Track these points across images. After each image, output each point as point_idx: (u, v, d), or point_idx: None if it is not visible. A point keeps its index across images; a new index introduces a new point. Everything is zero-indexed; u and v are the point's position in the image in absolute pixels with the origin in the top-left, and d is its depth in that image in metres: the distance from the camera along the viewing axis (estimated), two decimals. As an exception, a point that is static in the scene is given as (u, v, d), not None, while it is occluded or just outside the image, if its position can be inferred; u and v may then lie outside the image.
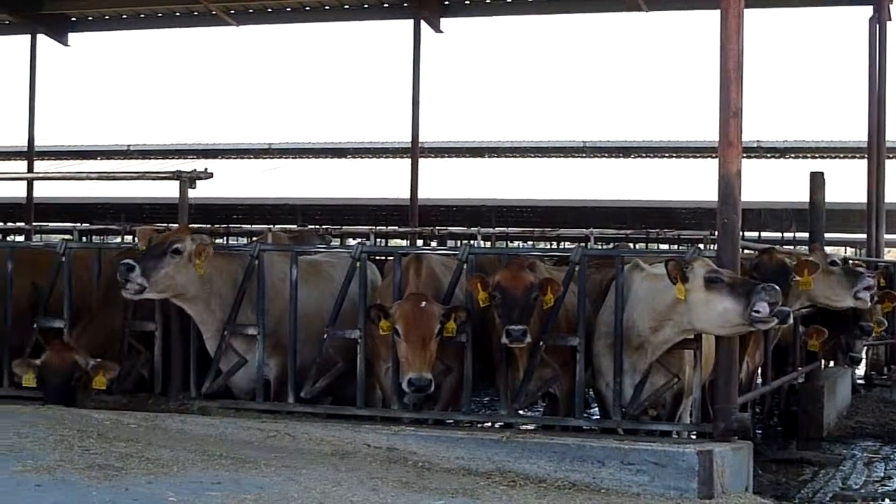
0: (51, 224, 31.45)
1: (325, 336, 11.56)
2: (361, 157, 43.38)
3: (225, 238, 22.80)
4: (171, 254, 10.99)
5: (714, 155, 11.32)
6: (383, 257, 14.96)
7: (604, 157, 42.47)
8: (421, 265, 11.40)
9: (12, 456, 8.65)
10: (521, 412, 11.68)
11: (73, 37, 24.49)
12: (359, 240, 20.60)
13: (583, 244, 23.16)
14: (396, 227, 31.61)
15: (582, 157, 42.61)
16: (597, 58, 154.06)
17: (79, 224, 32.53)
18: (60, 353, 11.33)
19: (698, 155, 39.57)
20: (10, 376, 12.20)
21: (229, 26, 23.58)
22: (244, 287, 11.58)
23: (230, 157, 43.25)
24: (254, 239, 14.45)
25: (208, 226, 24.65)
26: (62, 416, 10.42)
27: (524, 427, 11.67)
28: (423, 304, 10.64)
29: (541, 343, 10.97)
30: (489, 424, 12.30)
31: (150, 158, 44.22)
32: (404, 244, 22.36)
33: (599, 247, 26.48)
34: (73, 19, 24.21)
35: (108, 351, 11.72)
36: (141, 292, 10.84)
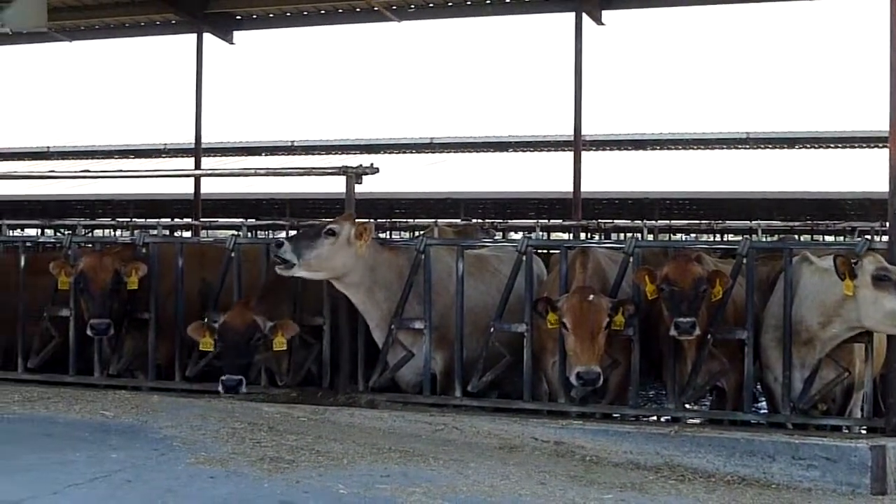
0: (219, 220, 31.91)
1: (492, 330, 11.56)
2: (523, 151, 43.28)
3: (388, 232, 22.95)
4: (325, 234, 11.10)
5: (883, 145, 11.05)
6: (548, 251, 14.91)
7: (768, 148, 41.75)
8: (588, 258, 11.33)
9: (186, 448, 8.82)
10: (688, 406, 11.56)
11: (238, 35, 24.75)
12: (525, 233, 20.55)
13: (749, 236, 22.83)
14: (560, 221, 31.45)
15: (745, 148, 41.93)
16: (760, 47, 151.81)
17: (245, 220, 33.08)
18: (241, 312, 11.32)
19: (865, 145, 38.72)
20: (182, 370, 12.45)
21: (391, 22, 23.69)
22: (411, 281, 11.63)
23: (392, 152, 43.49)
24: (419, 233, 14.53)
25: (371, 220, 24.83)
26: (233, 409, 10.59)
27: (691, 421, 11.54)
28: (591, 297, 10.57)
29: (708, 336, 10.85)
30: (655, 418, 12.19)
31: (313, 154, 44.63)
32: (566, 237, 22.27)
33: (766, 239, 26.08)
34: (238, 18, 24.46)
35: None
36: (290, 268, 10.97)
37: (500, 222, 23.70)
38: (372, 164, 12.37)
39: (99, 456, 8.52)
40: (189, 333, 11.63)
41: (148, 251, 12.68)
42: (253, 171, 16.02)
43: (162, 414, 10.16)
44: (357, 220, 11.46)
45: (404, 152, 43.89)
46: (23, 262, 13.16)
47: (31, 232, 24.30)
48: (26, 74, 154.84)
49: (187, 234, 24.16)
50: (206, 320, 11.68)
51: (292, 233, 15.13)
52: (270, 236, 26.55)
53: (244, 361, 11.13)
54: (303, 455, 8.76)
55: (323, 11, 23.80)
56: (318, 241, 11.11)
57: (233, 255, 12.42)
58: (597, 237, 21.99)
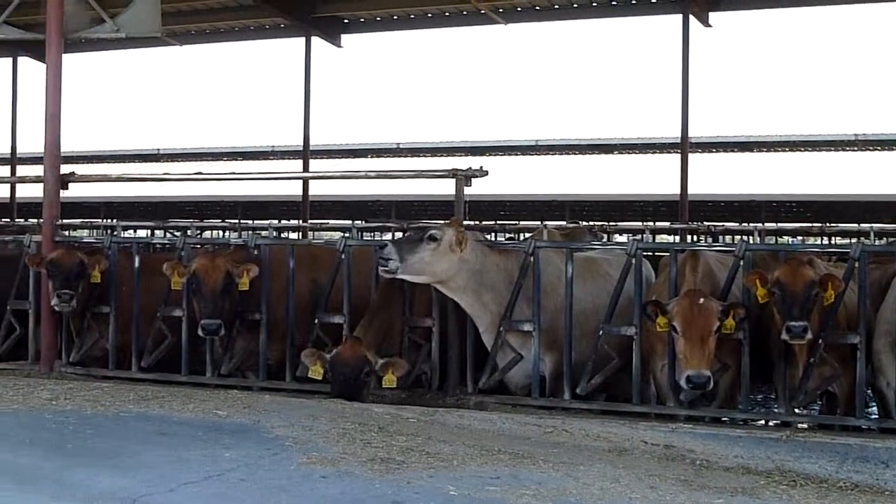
0: (330, 222, 32.14)
1: (601, 332, 11.55)
2: (629, 153, 43.16)
3: (494, 234, 22.96)
4: (426, 240, 11.25)
5: None
6: (653, 253, 14.86)
7: (877, 149, 41.19)
8: (698, 261, 11.27)
9: (298, 448, 8.89)
10: (798, 411, 11.47)
11: (345, 38, 25.01)
12: (634, 236, 20.44)
13: (861, 239, 22.54)
14: (668, 224, 31.29)
15: (854, 150, 41.45)
16: (869, 48, 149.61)
17: (353, 221, 33.27)
18: (353, 347, 11.56)
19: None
20: (293, 370, 12.57)
21: (498, 25, 23.73)
22: (520, 283, 11.66)
23: (498, 154, 43.56)
24: (527, 236, 14.55)
25: (476, 222, 24.87)
26: (343, 409, 10.66)
27: (801, 426, 11.43)
28: (702, 300, 10.52)
29: (820, 341, 10.74)
30: (764, 422, 12.10)
31: (418, 156, 44.84)
32: (671, 240, 22.14)
33: (877, 242, 25.71)
34: (346, 21, 24.70)
35: (391, 346, 11.95)
36: (393, 272, 11.16)
37: (605, 224, 23.60)
38: (481, 167, 12.42)
39: (213, 454, 8.61)
40: (301, 359, 11.88)
41: (259, 253, 12.83)
42: (363, 173, 16.13)
43: (274, 414, 10.25)
44: (456, 225, 11.53)
45: (510, 154, 43.95)
46: (137, 263, 13.36)
47: (141, 233, 24.66)
48: (137, 78, 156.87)
49: (294, 235, 24.37)
50: (317, 321, 11.87)
51: (399, 235, 15.28)
52: (379, 238, 26.56)
53: (351, 393, 11.43)
54: (413, 456, 8.79)
55: (430, 14, 23.96)
56: (421, 245, 11.25)
57: (343, 256, 12.52)
58: (704, 240, 21.82)
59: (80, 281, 13.13)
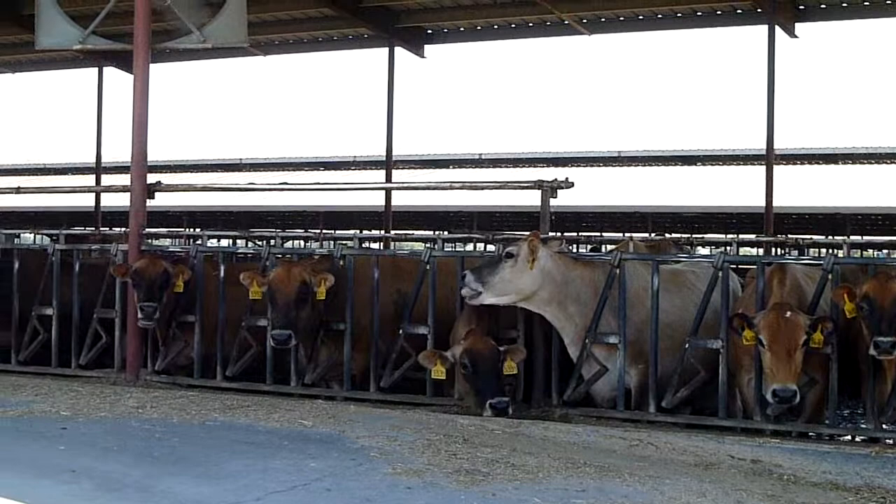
0: (415, 232, 32.18)
1: (687, 345, 11.48)
2: (712, 165, 42.83)
3: (577, 246, 22.88)
4: (504, 258, 11.26)
5: None
6: (738, 266, 14.72)
7: (968, 160, 40.66)
8: (785, 275, 11.17)
9: (383, 458, 8.89)
10: (885, 426, 11.31)
11: (428, 48, 25.05)
12: (720, 249, 20.28)
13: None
14: (754, 236, 31.01)
15: (944, 162, 40.91)
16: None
17: (434, 231, 33.27)
18: (483, 339, 11.62)
19: None
20: (377, 381, 12.60)
21: (581, 35, 23.67)
22: (605, 295, 11.61)
23: (579, 165, 43.36)
24: (611, 248, 14.49)
25: (559, 234, 24.82)
26: (428, 420, 10.66)
27: (889, 441, 11.28)
28: (789, 314, 10.43)
29: (909, 356, 10.59)
30: (850, 438, 11.96)
31: (500, 167, 44.83)
32: (755, 252, 21.95)
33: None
34: (429, 32, 24.74)
35: None
36: (477, 296, 11.15)
37: (690, 237, 23.46)
38: (567, 179, 12.40)
39: (298, 464, 8.63)
40: (420, 361, 11.93)
41: (344, 263, 12.86)
42: (448, 184, 16.16)
43: (358, 424, 10.26)
44: (534, 239, 11.50)
45: (592, 165, 43.78)
46: (222, 273, 13.45)
47: (224, 242, 24.79)
48: (220, 87, 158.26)
49: (375, 245, 24.42)
50: (394, 357, 11.97)
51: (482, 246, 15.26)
52: (463, 249, 26.58)
53: (501, 384, 11.45)
54: (498, 468, 8.76)
55: (513, 25, 23.94)
56: (499, 265, 11.29)
57: (428, 267, 12.53)
58: (789, 253, 21.60)
59: (164, 291, 13.25)
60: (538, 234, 11.70)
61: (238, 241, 24.48)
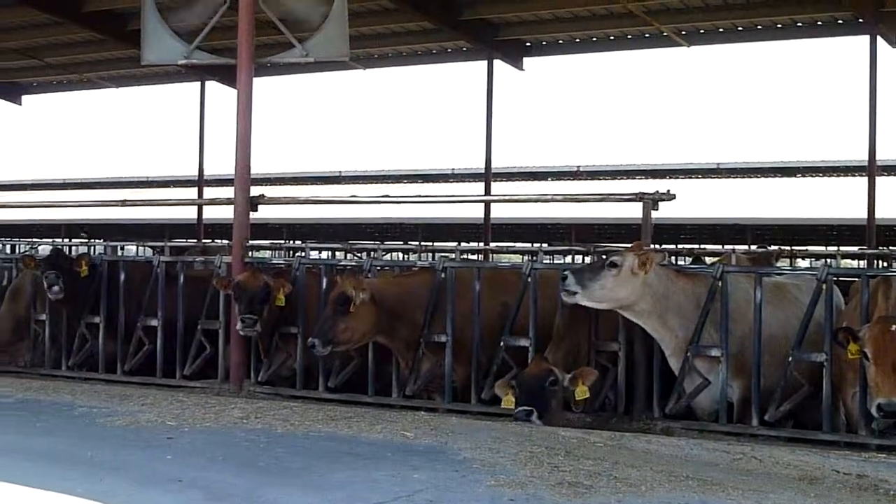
0: (516, 245, 32.22)
1: (790, 359, 11.38)
2: (812, 176, 42.37)
3: (676, 258, 22.75)
4: (607, 267, 11.26)
5: None
6: (838, 278, 14.58)
7: None
8: (890, 288, 11.04)
9: (486, 470, 8.90)
10: None
11: (527, 61, 25.03)
12: (822, 261, 20.12)
13: None
14: (856, 248, 30.63)
15: None
16: None
17: (532, 244, 33.27)
18: (538, 363, 11.81)
19: None
20: (478, 393, 12.64)
21: (680, 47, 23.54)
22: (707, 308, 11.55)
23: (678, 177, 43.06)
24: (714, 260, 14.43)
25: (660, 247, 24.70)
26: (530, 432, 10.65)
27: None
28: (894, 327, 10.30)
29: None
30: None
31: (598, 179, 44.68)
32: (858, 265, 21.69)
33: None
34: (528, 44, 24.71)
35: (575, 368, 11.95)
36: (572, 297, 11.22)
37: (792, 249, 23.20)
38: (668, 191, 12.36)
39: (402, 475, 8.68)
40: (496, 391, 12.10)
41: (446, 275, 12.90)
42: (550, 196, 16.12)
43: (461, 436, 10.29)
44: (642, 250, 11.49)
45: (690, 177, 43.47)
46: (324, 285, 13.55)
47: (321, 254, 24.96)
48: (319, 101, 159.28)
49: (473, 257, 24.45)
50: (495, 370, 12.11)
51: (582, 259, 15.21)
52: (563, 262, 26.55)
53: (538, 401, 11.50)
54: (601, 480, 8.74)
55: (612, 37, 23.86)
56: (601, 272, 11.30)
57: (529, 280, 12.54)
58: (892, 265, 21.29)
59: (265, 304, 13.40)
60: (641, 247, 11.67)
61: (337, 253, 24.60)
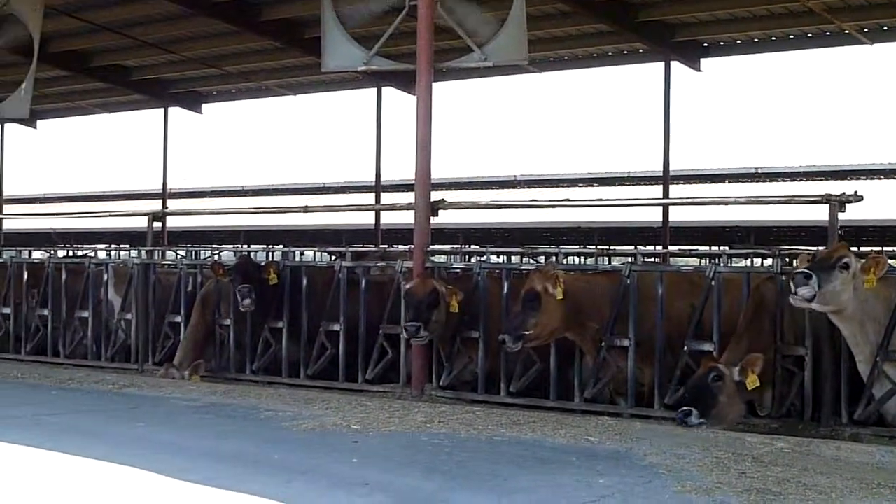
0: (698, 248, 31.92)
1: None
2: None
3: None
4: (839, 268, 10.94)
5: None
6: None
7: None
8: None
9: (671, 476, 8.83)
10: None
11: (704, 62, 24.75)
12: None
13: None
14: None
15: None
16: None
17: (710, 247, 32.87)
18: (706, 361, 11.73)
19: None
20: (661, 397, 12.54)
21: (863, 45, 23.07)
22: (902, 313, 11.28)
23: (859, 178, 42.07)
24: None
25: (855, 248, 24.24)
26: (716, 438, 10.54)
27: None
28: None
29: None
30: None
31: (777, 181, 44.06)
32: None
33: None
34: (706, 45, 24.47)
35: (761, 374, 11.74)
36: (809, 301, 10.87)
37: None
38: (855, 192, 12.12)
39: (587, 480, 8.65)
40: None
41: (630, 279, 12.82)
42: (733, 199, 15.87)
43: (645, 441, 10.22)
44: (874, 256, 11.28)
45: (872, 178, 42.61)
46: (505, 289, 13.56)
47: (495, 259, 25.00)
48: (493, 105, 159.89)
49: (649, 260, 24.28)
50: (678, 375, 12.24)
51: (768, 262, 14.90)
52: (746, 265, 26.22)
53: (699, 398, 11.44)
54: (789, 487, 8.60)
55: (791, 36, 23.47)
56: (834, 273, 10.94)
57: (713, 282, 12.40)
58: None
59: (433, 311, 13.49)
60: (845, 244, 11.45)
61: (513, 258, 24.62)
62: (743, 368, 11.37)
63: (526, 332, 12.31)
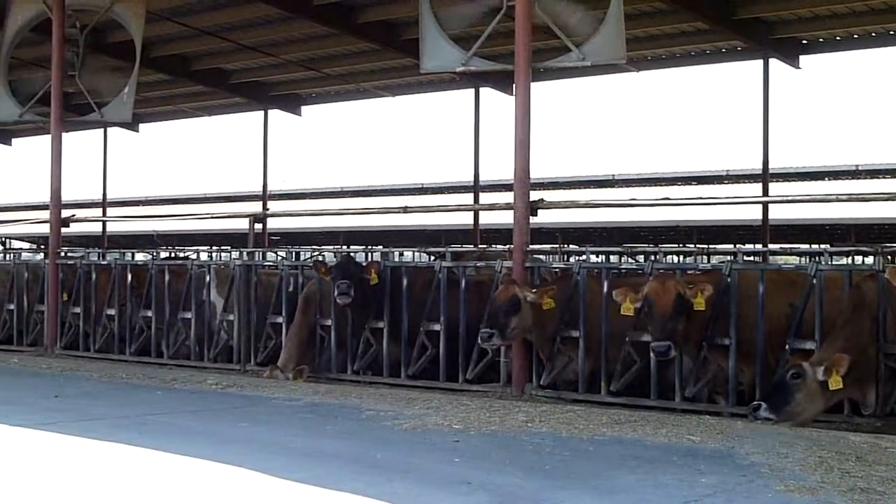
0: (799, 246, 31.62)
1: None
2: None
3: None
4: None
5: None
6: None
7: None
8: None
9: (774, 475, 8.79)
10: None
11: (803, 59, 24.51)
12: None
13: None
14: None
15: None
16: None
17: (810, 245, 32.55)
18: (792, 361, 11.68)
19: None
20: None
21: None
22: None
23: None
24: None
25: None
26: (819, 437, 10.48)
27: None
28: None
29: None
30: None
31: (878, 178, 43.50)
32: None
33: None
34: (804, 42, 24.25)
35: (862, 372, 11.65)
36: None
37: None
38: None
39: (689, 480, 8.63)
40: None
41: (731, 278, 12.76)
42: (834, 196, 15.78)
43: (747, 440, 10.18)
44: None
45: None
46: (605, 288, 13.55)
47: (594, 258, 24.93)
48: (591, 104, 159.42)
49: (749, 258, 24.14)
50: (787, 346, 12.09)
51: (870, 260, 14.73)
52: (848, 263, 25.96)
53: (776, 395, 11.50)
54: (894, 486, 8.51)
55: (892, 32, 23.21)
56: None
57: (814, 281, 12.31)
58: None
59: (510, 318, 13.52)
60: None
61: (612, 257, 24.57)
62: (827, 368, 11.29)
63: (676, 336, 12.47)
